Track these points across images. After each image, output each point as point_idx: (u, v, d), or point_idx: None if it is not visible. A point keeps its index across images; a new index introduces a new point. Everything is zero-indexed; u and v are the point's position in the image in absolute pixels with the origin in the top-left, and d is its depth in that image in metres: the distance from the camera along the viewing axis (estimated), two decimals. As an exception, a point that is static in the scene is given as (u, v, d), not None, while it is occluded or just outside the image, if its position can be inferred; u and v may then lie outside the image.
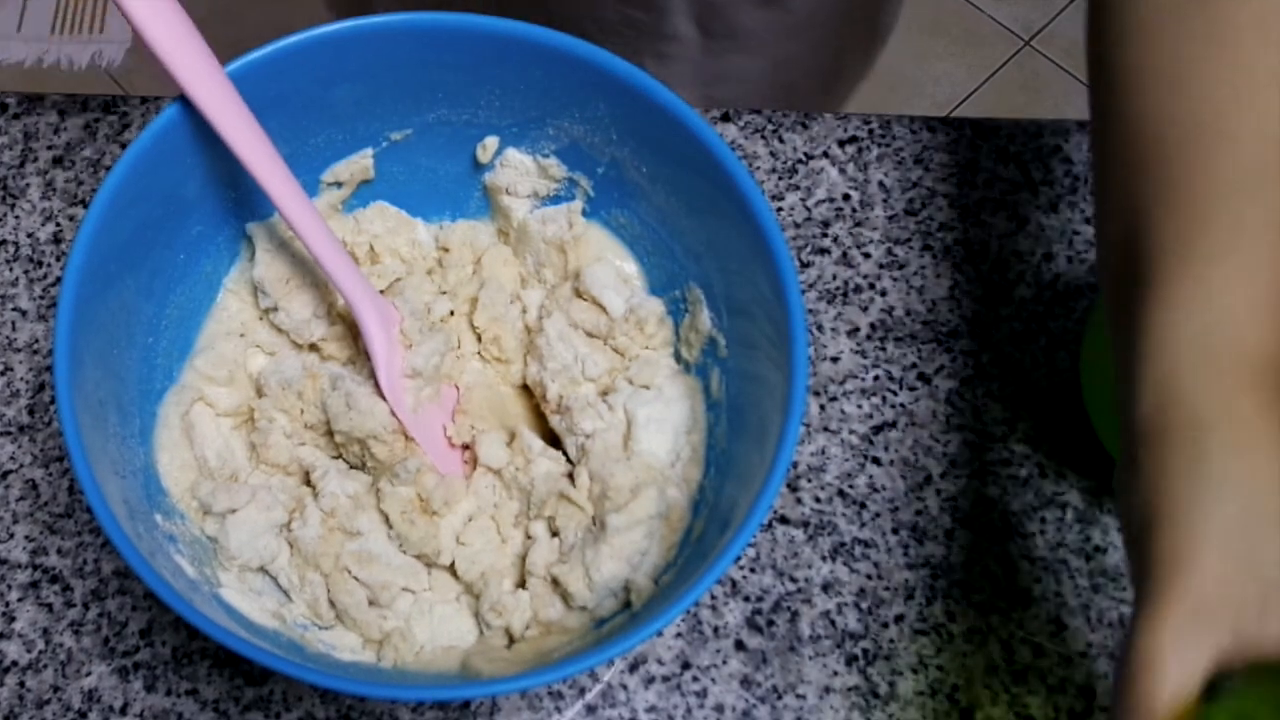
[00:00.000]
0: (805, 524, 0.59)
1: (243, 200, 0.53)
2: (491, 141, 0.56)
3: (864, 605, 0.58)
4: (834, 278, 0.65)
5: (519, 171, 0.57)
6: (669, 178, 0.53)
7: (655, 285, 0.58)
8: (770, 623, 0.57)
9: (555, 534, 0.53)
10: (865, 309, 0.64)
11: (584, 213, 0.58)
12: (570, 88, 0.52)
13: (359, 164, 0.56)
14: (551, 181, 0.57)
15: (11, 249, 0.64)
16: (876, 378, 0.63)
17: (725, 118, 0.68)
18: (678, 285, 0.56)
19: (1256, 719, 0.38)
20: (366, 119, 0.54)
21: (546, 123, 0.55)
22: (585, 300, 0.57)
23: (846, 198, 0.67)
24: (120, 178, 0.46)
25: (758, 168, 0.67)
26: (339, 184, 0.56)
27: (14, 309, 0.62)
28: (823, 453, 0.61)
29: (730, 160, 0.49)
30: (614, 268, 0.57)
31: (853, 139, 0.68)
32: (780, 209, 0.66)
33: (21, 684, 0.54)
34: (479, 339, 0.57)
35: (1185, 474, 0.36)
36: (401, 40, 0.50)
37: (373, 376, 0.53)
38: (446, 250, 0.59)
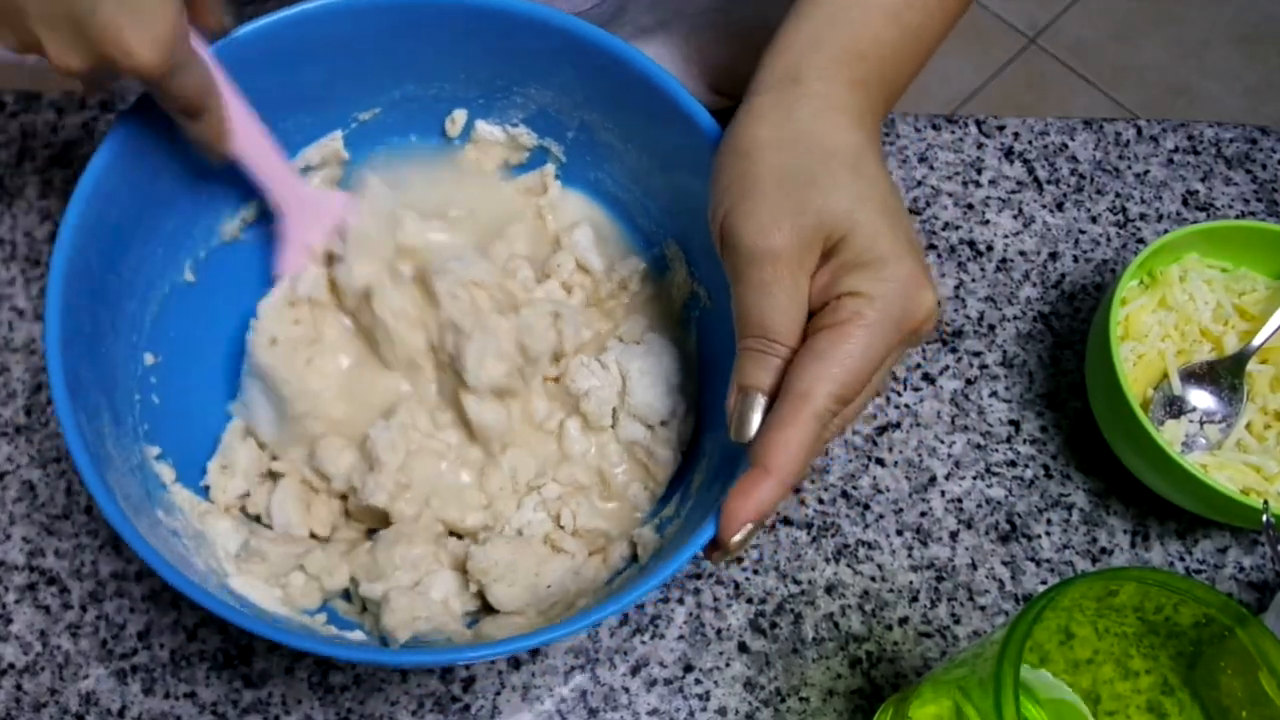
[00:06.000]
0: (808, 525, 0.59)
1: (217, 194, 0.53)
2: (460, 114, 0.56)
3: (868, 607, 0.57)
4: (838, 277, 0.64)
5: (489, 143, 0.57)
6: (640, 136, 0.54)
7: (634, 244, 0.58)
8: (773, 625, 0.56)
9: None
10: (869, 308, 0.64)
11: (557, 177, 0.58)
12: (536, 54, 0.52)
13: (329, 146, 0.56)
14: (522, 150, 0.57)
15: (9, 248, 0.64)
16: (880, 378, 0.62)
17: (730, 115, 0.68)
18: (656, 243, 0.57)
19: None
20: (333, 100, 0.54)
21: (514, 91, 0.55)
22: (570, 265, 0.57)
23: (850, 196, 0.66)
24: (95, 177, 0.47)
25: (761, 166, 0.67)
26: (309, 167, 0.56)
27: (11, 308, 0.62)
28: (826, 453, 0.60)
29: (696, 110, 0.49)
30: (593, 230, 0.57)
31: (856, 137, 0.67)
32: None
33: (18, 687, 0.54)
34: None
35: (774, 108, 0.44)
36: (363, 17, 0.50)
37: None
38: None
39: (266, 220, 0.56)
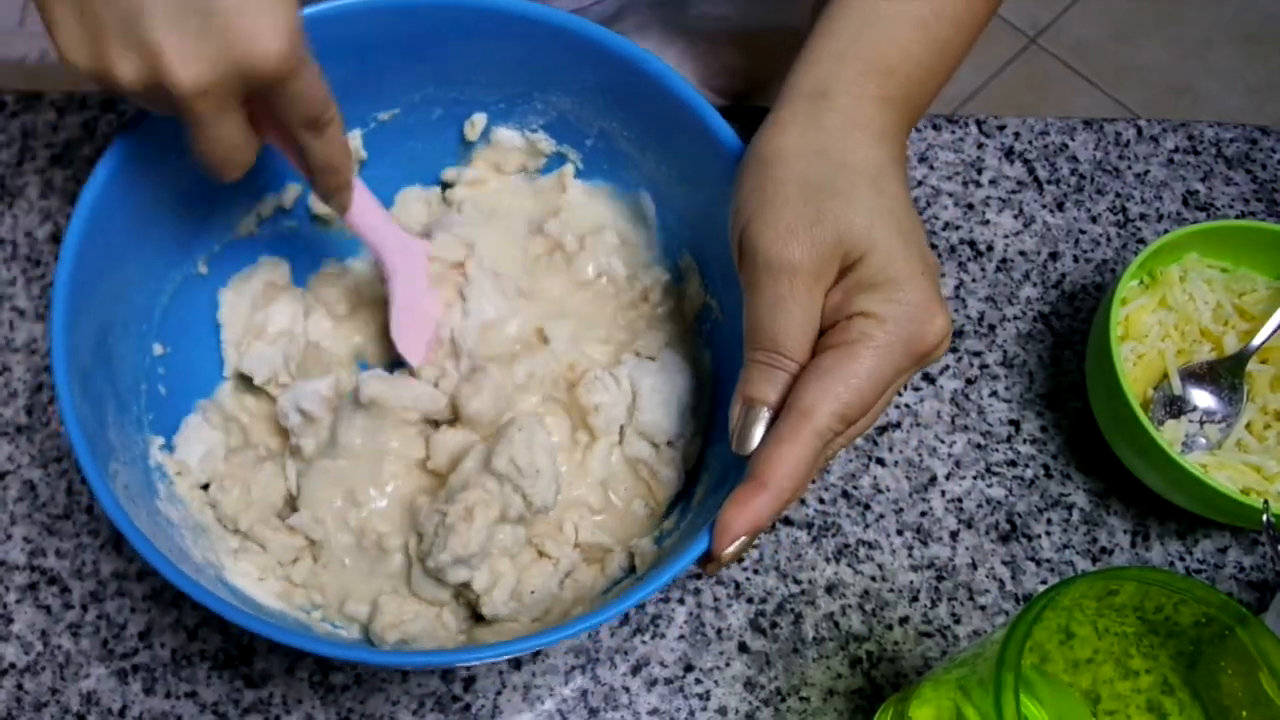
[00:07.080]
0: (809, 525, 0.59)
1: (233, 191, 0.53)
2: (479, 119, 0.56)
3: (868, 607, 0.57)
4: (838, 277, 0.64)
5: (507, 148, 0.57)
6: (659, 146, 0.53)
7: (650, 254, 0.58)
8: (774, 625, 0.56)
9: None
10: (869, 308, 0.64)
11: (577, 177, 0.58)
12: (558, 59, 0.52)
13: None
14: (540, 156, 0.57)
15: (9, 248, 0.64)
16: (881, 378, 0.62)
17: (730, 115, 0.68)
18: (671, 254, 0.56)
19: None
20: (354, 99, 0.54)
21: (534, 96, 0.55)
22: (590, 269, 0.57)
23: (850, 196, 0.66)
24: (105, 177, 0.46)
25: (761, 166, 0.67)
26: None
27: (12, 308, 0.62)
28: (826, 453, 0.60)
29: (717, 122, 0.49)
30: (615, 238, 0.57)
31: (857, 137, 0.67)
32: (784, 207, 0.66)
33: (19, 686, 0.54)
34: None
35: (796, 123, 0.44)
36: (387, 18, 0.50)
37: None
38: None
39: (281, 216, 0.56)
